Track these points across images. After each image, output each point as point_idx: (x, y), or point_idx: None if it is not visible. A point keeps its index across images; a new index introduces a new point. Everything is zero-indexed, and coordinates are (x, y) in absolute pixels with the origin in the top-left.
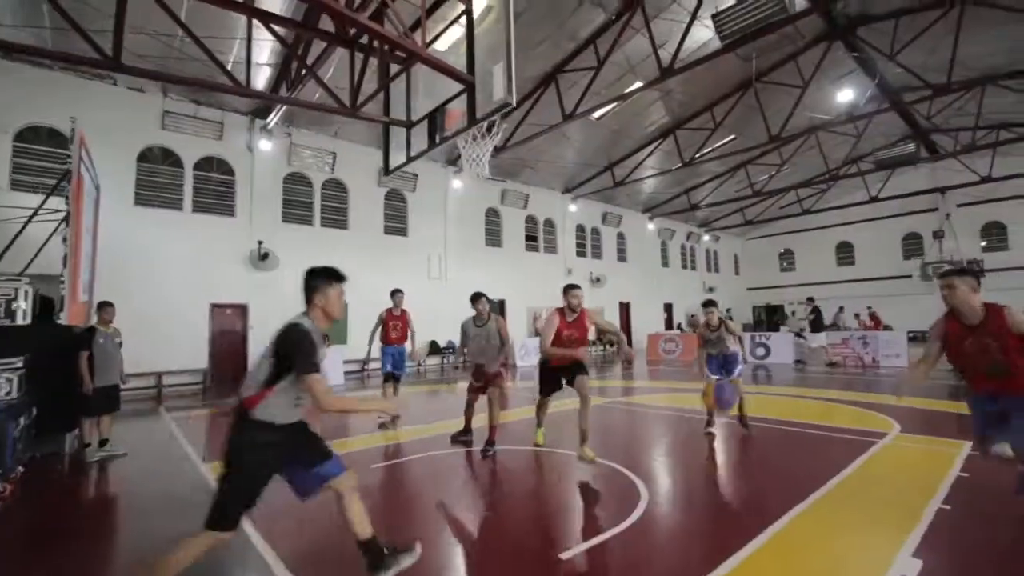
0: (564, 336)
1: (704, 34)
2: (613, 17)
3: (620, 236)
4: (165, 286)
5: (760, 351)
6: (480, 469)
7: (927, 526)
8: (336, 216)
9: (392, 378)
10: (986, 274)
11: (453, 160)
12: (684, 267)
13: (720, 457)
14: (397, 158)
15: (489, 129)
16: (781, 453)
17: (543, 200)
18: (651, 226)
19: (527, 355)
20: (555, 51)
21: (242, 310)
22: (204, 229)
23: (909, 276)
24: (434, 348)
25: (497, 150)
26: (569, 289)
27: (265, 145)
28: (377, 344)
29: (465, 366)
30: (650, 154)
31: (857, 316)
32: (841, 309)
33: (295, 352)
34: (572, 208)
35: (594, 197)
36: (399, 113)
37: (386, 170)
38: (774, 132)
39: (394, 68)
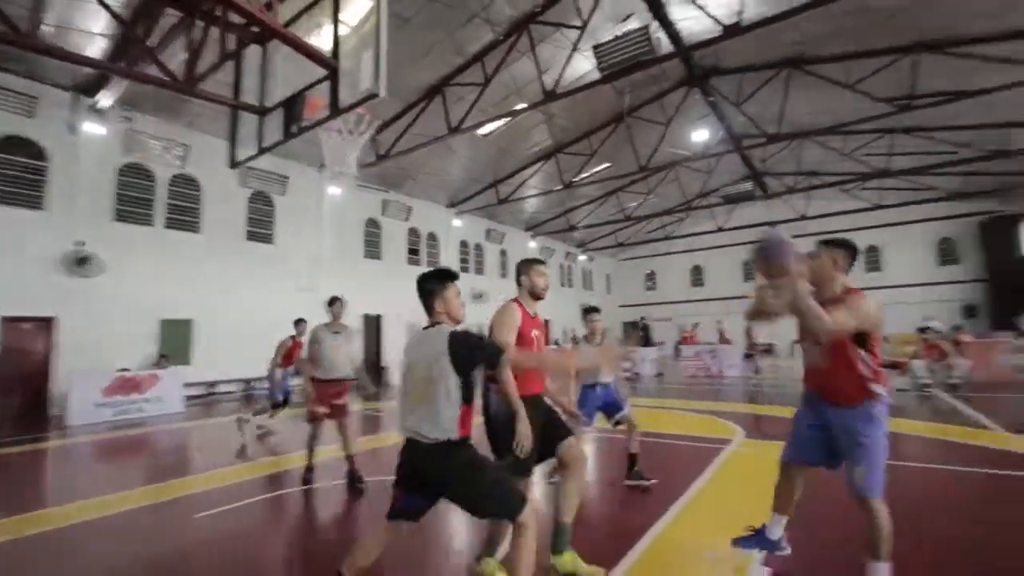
0: (531, 339)
1: (585, 65)
2: (501, 37)
3: (503, 253)
4: None
5: (627, 364)
6: (331, 509)
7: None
8: (186, 217)
9: (285, 403)
10: None
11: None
12: (562, 285)
13: (586, 472)
14: (249, 151)
15: (371, 128)
16: (642, 465)
17: (427, 213)
18: (532, 244)
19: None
20: (442, 63)
21: (47, 324)
22: None
23: (746, 297)
24: (301, 368)
25: (379, 158)
26: (533, 264)
27: (94, 128)
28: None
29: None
30: (533, 174)
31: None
32: (695, 325)
33: (477, 351)
34: (456, 223)
35: (478, 213)
36: (252, 100)
37: (232, 162)
38: (642, 163)
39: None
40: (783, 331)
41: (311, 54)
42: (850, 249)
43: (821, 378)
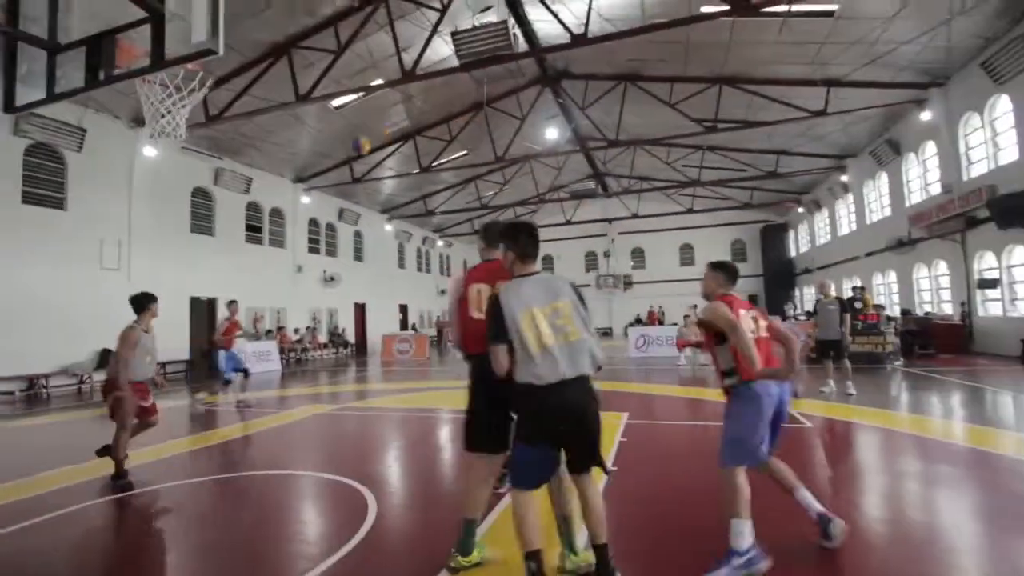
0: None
1: (445, 50)
2: (356, 4)
3: (357, 235)
4: None
5: None
6: (166, 515)
7: (602, 486)
8: None
9: (245, 374)
10: (633, 285)
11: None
12: (420, 270)
13: (446, 452)
14: (34, 95)
15: (198, 85)
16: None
17: (270, 186)
18: (389, 227)
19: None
20: (289, 21)
21: None
22: None
23: (588, 285)
24: (106, 359)
25: (209, 119)
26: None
27: None
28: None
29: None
30: (390, 155)
31: None
32: None
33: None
34: (305, 200)
35: (330, 191)
36: (38, 32)
37: (7, 105)
38: (499, 154)
39: None
40: (617, 317)
41: None
42: (726, 270)
43: None
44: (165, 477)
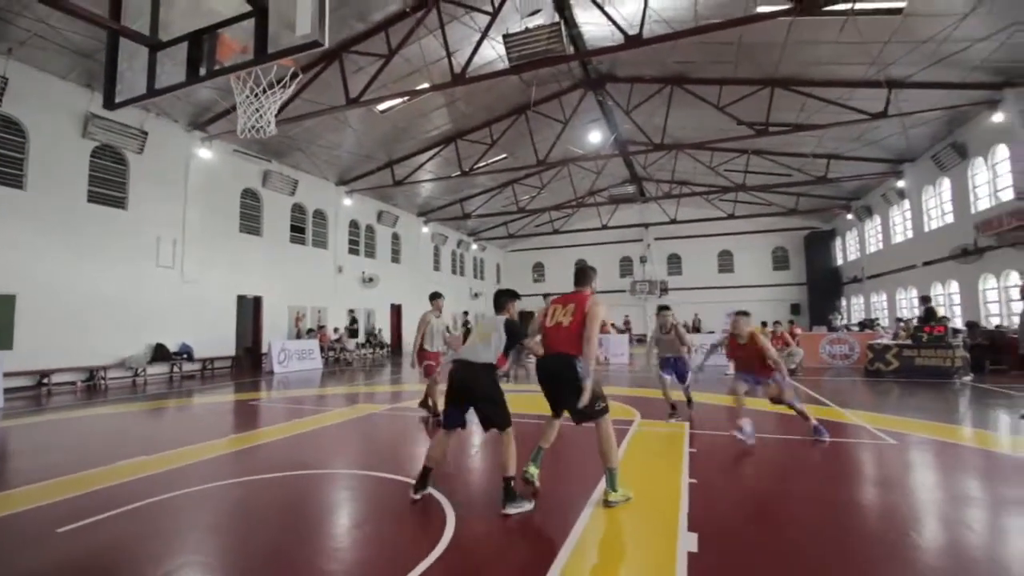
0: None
1: (491, 54)
2: (408, 9)
3: (395, 237)
4: None
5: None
6: (229, 512)
7: (687, 502)
8: (3, 168)
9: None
10: (669, 291)
11: (201, 124)
12: (454, 272)
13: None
14: (131, 91)
15: (279, 82)
16: (562, 446)
17: (314, 189)
18: (425, 230)
19: (287, 360)
20: (341, 26)
21: None
22: None
23: (624, 291)
24: (160, 353)
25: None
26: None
27: None
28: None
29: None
30: (431, 158)
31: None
32: None
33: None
34: (347, 202)
35: (370, 194)
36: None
37: (109, 100)
38: (540, 157)
39: None
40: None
41: None
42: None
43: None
44: (245, 471)
